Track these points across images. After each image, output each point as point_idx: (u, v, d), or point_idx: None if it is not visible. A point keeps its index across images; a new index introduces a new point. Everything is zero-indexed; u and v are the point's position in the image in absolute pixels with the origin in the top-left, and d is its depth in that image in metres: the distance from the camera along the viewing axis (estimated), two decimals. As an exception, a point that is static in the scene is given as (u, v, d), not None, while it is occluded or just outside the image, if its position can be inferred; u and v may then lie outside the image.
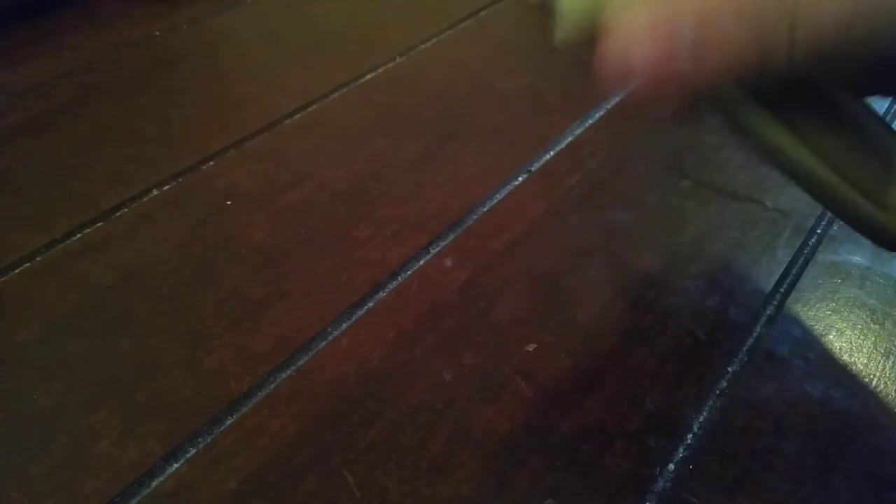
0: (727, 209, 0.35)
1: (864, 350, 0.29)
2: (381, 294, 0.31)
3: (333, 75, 0.47)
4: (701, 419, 0.26)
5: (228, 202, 0.37)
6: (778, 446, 0.25)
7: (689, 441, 0.25)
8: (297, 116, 0.44)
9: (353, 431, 0.26)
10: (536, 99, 0.45)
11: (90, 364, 0.29)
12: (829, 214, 0.35)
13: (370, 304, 0.31)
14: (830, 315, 0.30)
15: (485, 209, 0.36)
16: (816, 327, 0.30)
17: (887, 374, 0.28)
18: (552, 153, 0.40)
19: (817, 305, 0.30)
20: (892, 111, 0.42)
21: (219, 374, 0.28)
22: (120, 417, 0.27)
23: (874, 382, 0.27)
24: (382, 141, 0.41)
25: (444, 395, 0.27)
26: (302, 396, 0.27)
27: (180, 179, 0.38)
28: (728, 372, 0.28)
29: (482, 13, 0.55)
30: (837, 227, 0.34)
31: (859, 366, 0.28)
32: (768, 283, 0.31)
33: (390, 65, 0.49)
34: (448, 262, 0.33)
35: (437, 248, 0.34)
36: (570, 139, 0.41)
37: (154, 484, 0.24)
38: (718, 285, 0.31)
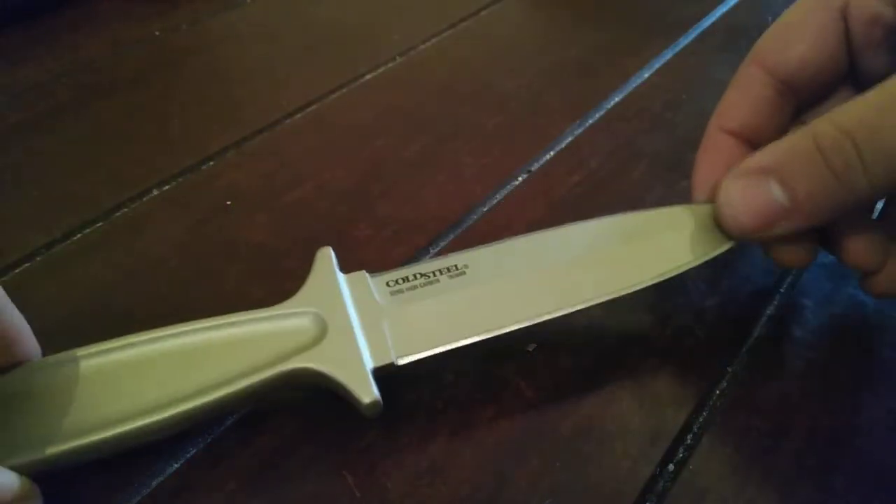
0: (727, 209, 0.35)
1: (864, 350, 0.29)
2: (381, 294, 0.31)
3: (333, 75, 0.47)
4: (701, 419, 0.26)
5: (228, 202, 0.37)
6: (778, 446, 0.25)
7: (689, 441, 0.25)
8: (297, 116, 0.44)
9: (353, 431, 0.26)
10: (536, 99, 0.45)
11: (90, 364, 0.29)
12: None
13: (370, 304, 0.31)
14: (830, 315, 0.30)
15: (485, 209, 0.36)
16: (816, 327, 0.30)
17: (887, 375, 0.28)
18: (552, 153, 0.40)
19: (817, 305, 0.30)
20: None
21: (219, 374, 0.28)
22: (120, 417, 0.27)
23: (874, 383, 0.27)
24: (382, 141, 0.41)
25: (444, 395, 0.27)
26: (302, 396, 0.27)
27: (180, 179, 0.38)
28: (728, 372, 0.28)
29: (482, 13, 0.55)
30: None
31: (859, 366, 0.28)
32: (768, 283, 0.31)
33: (390, 65, 0.49)
34: (448, 262, 0.32)
35: (437, 248, 0.34)
36: (570, 139, 0.41)
37: (154, 484, 0.24)
38: (718, 285, 0.31)
